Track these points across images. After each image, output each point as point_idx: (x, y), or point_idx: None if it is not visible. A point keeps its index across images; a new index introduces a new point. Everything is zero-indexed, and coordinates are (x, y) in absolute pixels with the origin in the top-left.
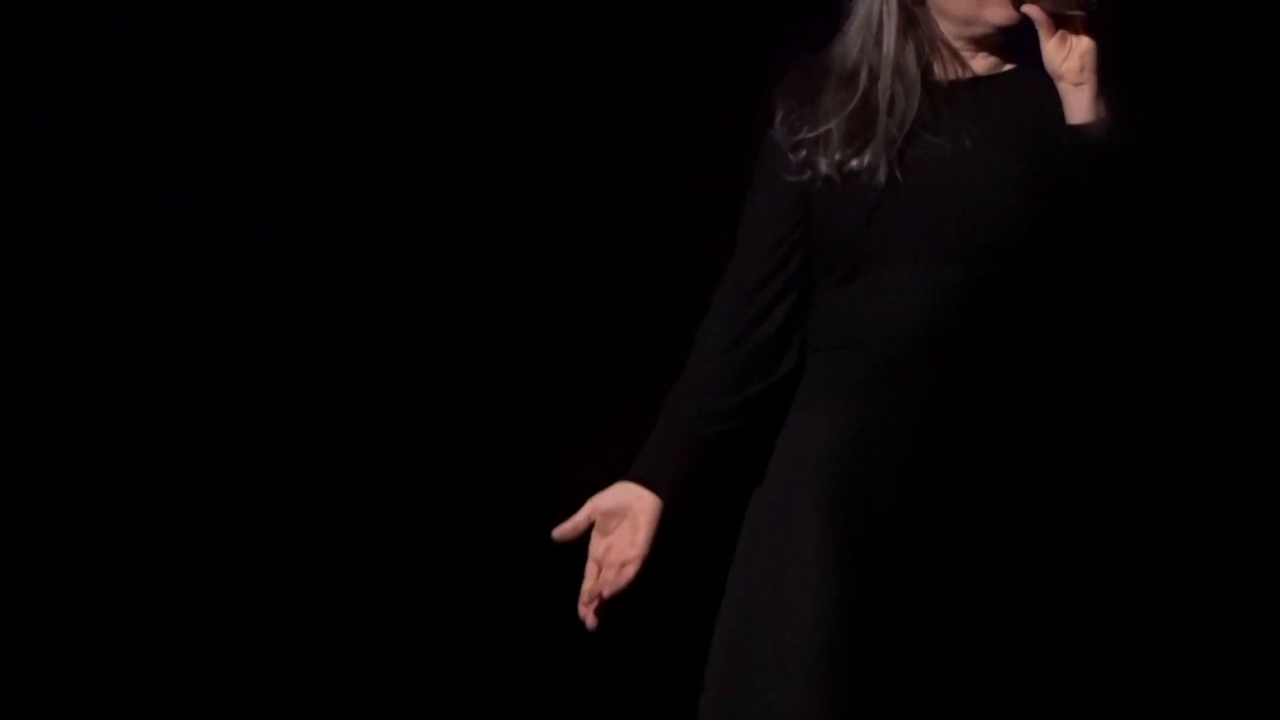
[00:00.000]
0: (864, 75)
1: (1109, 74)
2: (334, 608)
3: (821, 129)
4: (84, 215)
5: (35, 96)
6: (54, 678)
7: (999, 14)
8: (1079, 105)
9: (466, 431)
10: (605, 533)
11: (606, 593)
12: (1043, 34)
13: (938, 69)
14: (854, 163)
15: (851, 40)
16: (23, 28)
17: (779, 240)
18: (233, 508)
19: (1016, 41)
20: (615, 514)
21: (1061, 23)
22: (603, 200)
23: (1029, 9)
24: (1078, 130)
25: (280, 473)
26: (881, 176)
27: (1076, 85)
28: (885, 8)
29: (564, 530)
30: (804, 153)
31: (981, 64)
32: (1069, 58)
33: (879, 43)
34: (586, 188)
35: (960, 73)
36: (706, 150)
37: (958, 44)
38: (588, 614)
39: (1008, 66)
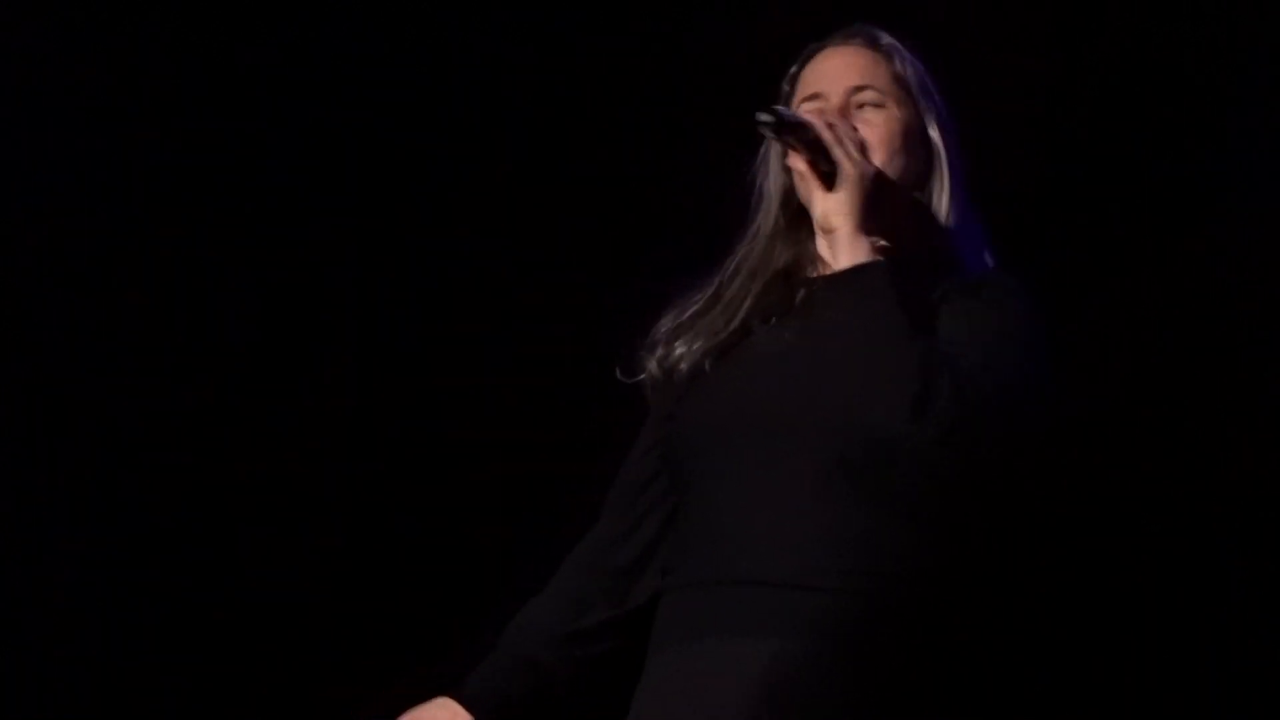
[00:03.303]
0: (722, 277)
1: (874, 215)
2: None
3: (665, 329)
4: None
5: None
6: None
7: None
8: (840, 249)
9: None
10: None
11: None
12: (806, 185)
13: (809, 271)
14: (677, 352)
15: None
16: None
17: (647, 448)
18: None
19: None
20: None
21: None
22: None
23: (792, 161)
24: (838, 276)
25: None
26: (699, 367)
27: (828, 231)
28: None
29: None
30: (643, 353)
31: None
32: (826, 202)
33: (751, 250)
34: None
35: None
36: None
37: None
38: None
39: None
